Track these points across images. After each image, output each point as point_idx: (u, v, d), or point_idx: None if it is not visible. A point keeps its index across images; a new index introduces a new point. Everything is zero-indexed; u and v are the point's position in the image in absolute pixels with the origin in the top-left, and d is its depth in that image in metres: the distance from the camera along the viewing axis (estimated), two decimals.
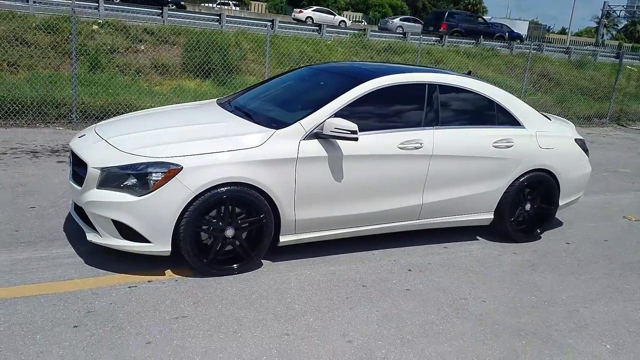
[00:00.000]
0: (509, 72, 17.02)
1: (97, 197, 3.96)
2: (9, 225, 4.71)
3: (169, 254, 4.02)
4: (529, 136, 5.25)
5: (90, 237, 4.08)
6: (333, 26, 21.59)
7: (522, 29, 44.77)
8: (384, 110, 4.75)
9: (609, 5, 42.47)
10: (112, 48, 12.93)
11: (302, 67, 5.82)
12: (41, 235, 4.58)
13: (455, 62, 17.70)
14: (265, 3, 45.79)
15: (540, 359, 3.51)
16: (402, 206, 4.76)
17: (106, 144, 4.21)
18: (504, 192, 5.18)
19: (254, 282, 4.16)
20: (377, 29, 30.94)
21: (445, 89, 4.96)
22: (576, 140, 5.71)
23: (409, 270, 4.62)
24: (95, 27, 13.70)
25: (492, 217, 5.26)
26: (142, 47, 13.86)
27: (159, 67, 12.98)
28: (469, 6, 61.80)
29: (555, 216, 6.06)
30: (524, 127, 5.27)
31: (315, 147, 4.30)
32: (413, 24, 34.99)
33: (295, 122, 4.33)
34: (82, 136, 4.57)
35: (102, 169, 3.96)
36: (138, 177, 3.91)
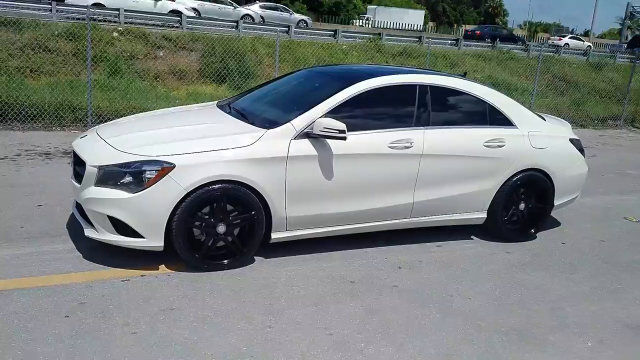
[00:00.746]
0: (526, 75, 16.96)
1: (94, 194, 4.15)
2: (16, 222, 4.94)
3: (161, 249, 4.18)
4: (521, 136, 5.29)
5: (88, 232, 4.26)
6: (349, 31, 21.56)
7: None
8: (375, 111, 4.85)
9: (632, 6, 41.72)
10: (132, 54, 13.29)
11: (300, 70, 5.96)
12: (45, 231, 4.79)
13: (471, 64, 17.69)
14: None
15: (518, 356, 3.55)
16: (393, 204, 4.85)
17: (105, 143, 4.40)
18: (497, 192, 5.23)
19: (245, 277, 4.29)
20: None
21: (437, 90, 5.04)
22: (571, 140, 5.71)
23: (399, 267, 4.70)
24: (115, 34, 14.08)
25: (485, 216, 5.30)
26: (161, 54, 14.21)
27: (176, 72, 13.29)
28: (490, 9, 61.23)
29: (554, 216, 6.09)
30: (517, 127, 5.31)
31: (305, 147, 4.42)
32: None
33: (287, 122, 4.46)
34: (84, 137, 4.78)
35: (99, 167, 4.15)
36: (133, 175, 4.08)
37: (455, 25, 48.63)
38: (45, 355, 3.12)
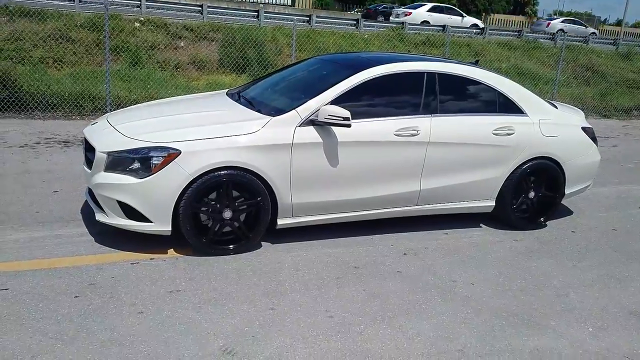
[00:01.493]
0: (550, 64, 16.68)
1: (104, 179, 4.27)
2: (32, 207, 5.10)
3: (169, 233, 4.28)
4: (532, 124, 5.25)
5: (99, 217, 4.39)
6: (370, 20, 21.33)
7: None
8: (382, 98, 4.87)
9: None
10: (153, 45, 13.46)
11: (310, 58, 6.00)
12: (59, 216, 4.94)
13: (495, 54, 17.47)
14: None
15: (516, 339, 3.57)
16: (400, 192, 4.87)
17: (114, 130, 4.51)
18: (506, 180, 5.22)
19: (251, 262, 4.37)
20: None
21: (445, 77, 5.03)
22: (584, 128, 5.65)
23: (404, 254, 4.73)
24: (137, 24, 14.26)
25: (494, 204, 5.29)
26: (182, 44, 14.35)
27: (196, 62, 13.42)
28: None
29: (566, 205, 6.04)
30: (527, 115, 5.28)
31: (310, 134, 4.47)
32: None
33: (292, 109, 4.51)
34: (94, 124, 4.90)
35: (109, 153, 4.26)
36: (141, 161, 4.18)
37: (484, 14, 47.81)
38: (55, 332, 3.25)
